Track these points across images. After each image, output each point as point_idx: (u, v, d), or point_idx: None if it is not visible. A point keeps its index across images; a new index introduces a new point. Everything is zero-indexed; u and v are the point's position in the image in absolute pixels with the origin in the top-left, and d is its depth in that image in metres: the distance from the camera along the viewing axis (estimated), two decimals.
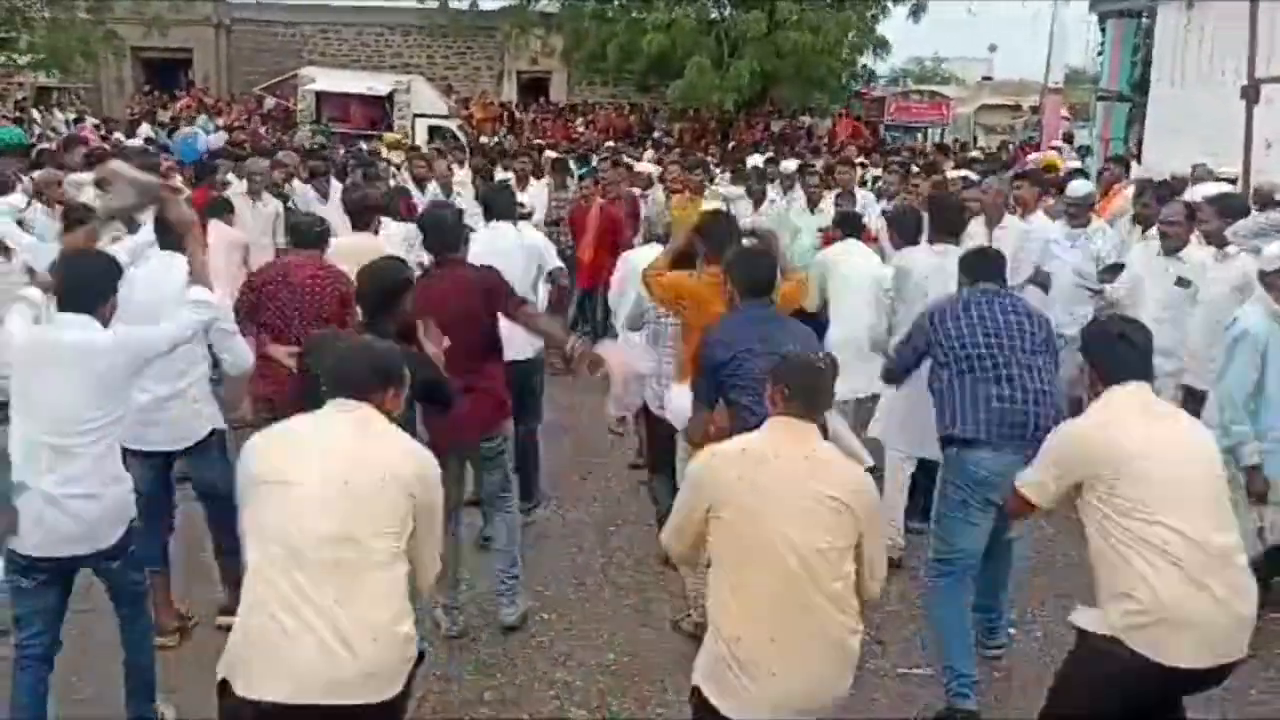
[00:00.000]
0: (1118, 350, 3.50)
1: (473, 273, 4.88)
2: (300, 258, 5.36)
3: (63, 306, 3.81)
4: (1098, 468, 3.33)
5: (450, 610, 4.93)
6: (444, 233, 4.96)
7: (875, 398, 5.90)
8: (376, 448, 2.99)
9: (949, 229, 5.78)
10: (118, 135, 16.09)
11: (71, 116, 19.78)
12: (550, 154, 13.44)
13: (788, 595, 3.03)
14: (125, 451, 4.08)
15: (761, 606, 3.05)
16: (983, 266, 4.69)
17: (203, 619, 4.85)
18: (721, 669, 3.10)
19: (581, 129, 24.95)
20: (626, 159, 12.43)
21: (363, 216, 6.32)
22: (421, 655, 3.09)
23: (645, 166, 10.47)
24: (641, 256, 6.64)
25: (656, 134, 24.14)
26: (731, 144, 21.46)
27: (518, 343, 5.31)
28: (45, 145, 12.33)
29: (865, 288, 6.38)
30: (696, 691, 3.19)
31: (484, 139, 19.44)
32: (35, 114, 18.53)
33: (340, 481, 2.89)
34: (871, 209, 8.74)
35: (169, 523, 4.85)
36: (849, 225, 7.07)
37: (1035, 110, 22.78)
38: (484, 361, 4.78)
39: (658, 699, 4.43)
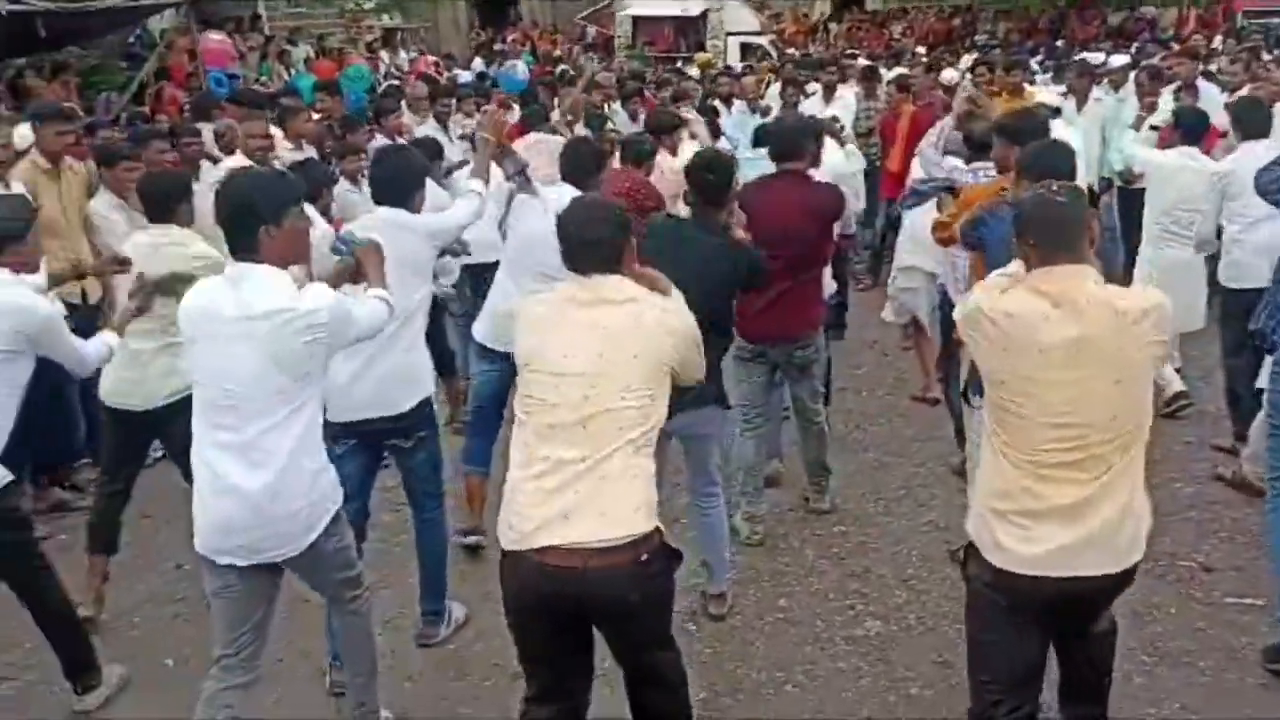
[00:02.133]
0: None
1: (807, 187, 4.95)
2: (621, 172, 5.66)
3: (377, 200, 4.14)
4: None
5: (752, 519, 5.08)
6: (785, 142, 5.00)
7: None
8: (634, 320, 2.97)
9: None
10: (456, 70, 17.18)
11: (414, 55, 21.23)
12: (862, 61, 13.01)
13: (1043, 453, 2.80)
14: None
15: (1017, 460, 2.85)
16: None
17: None
18: (980, 524, 2.95)
19: (899, 36, 23.97)
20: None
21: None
22: (679, 554, 3.03)
23: (949, 74, 9.98)
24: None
25: (980, 37, 22.82)
26: (1061, 40, 19.93)
27: None
28: (393, 82, 13.31)
29: (1182, 212, 5.83)
30: (968, 548, 3.04)
31: (792, 51, 19.05)
32: (384, 55, 20.09)
33: (598, 358, 2.91)
34: (1214, 104, 7.89)
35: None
36: (1188, 125, 6.22)
37: None
38: (805, 272, 4.90)
39: (954, 614, 4.34)
